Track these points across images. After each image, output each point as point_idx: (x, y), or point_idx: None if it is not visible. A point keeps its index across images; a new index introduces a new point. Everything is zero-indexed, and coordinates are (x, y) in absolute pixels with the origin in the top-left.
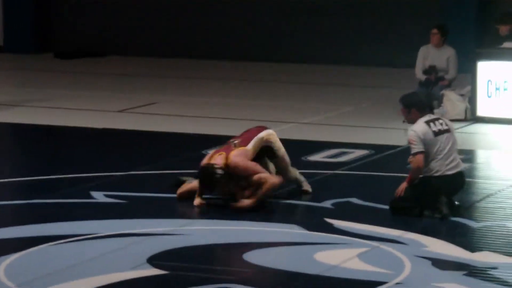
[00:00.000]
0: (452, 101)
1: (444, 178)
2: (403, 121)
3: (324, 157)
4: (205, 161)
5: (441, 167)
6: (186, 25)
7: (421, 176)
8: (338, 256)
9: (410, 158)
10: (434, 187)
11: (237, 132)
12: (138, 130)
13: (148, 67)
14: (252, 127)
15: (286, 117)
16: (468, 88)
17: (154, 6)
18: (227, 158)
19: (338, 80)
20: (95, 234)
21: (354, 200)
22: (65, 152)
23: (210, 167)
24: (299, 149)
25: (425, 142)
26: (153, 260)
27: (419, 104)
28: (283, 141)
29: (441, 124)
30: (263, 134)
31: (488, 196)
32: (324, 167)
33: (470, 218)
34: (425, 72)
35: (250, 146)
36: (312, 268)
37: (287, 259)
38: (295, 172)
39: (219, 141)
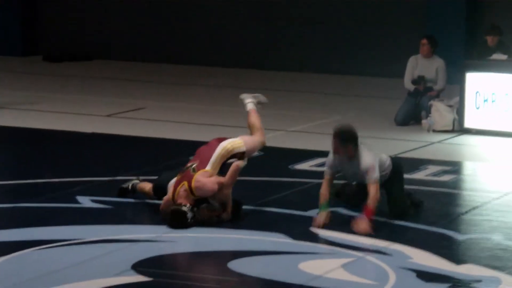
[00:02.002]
0: (440, 112)
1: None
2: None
3: (311, 166)
4: (171, 194)
5: None
6: (174, 31)
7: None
8: (323, 266)
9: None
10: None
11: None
12: (125, 135)
13: (136, 72)
14: (203, 146)
15: (273, 125)
16: (456, 99)
17: (142, 11)
18: (190, 187)
19: (325, 88)
20: (80, 239)
21: (341, 210)
22: (51, 156)
23: (179, 212)
24: (286, 157)
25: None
26: (138, 267)
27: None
28: (271, 149)
29: None
30: (219, 150)
31: (474, 208)
32: (311, 176)
33: (455, 230)
34: (414, 82)
35: (209, 167)
36: (296, 278)
37: (272, 268)
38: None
39: None
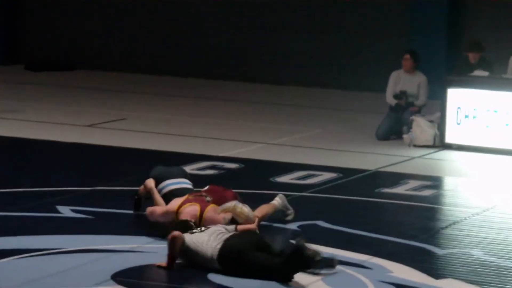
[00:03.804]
0: (421, 127)
1: None
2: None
3: (292, 179)
4: (176, 205)
5: None
6: (155, 42)
7: None
8: (303, 279)
9: None
10: None
11: (204, 151)
12: (106, 145)
13: (118, 82)
14: (218, 187)
15: (255, 138)
16: (438, 114)
17: (124, 22)
18: (202, 212)
19: (307, 102)
20: (60, 249)
21: (321, 223)
22: (32, 165)
23: (186, 225)
24: (267, 170)
25: None
26: (117, 277)
27: None
28: (252, 161)
29: None
30: (229, 205)
31: (454, 223)
32: (292, 189)
33: (435, 244)
34: (396, 97)
35: (220, 208)
36: None
37: (251, 280)
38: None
39: (187, 158)
